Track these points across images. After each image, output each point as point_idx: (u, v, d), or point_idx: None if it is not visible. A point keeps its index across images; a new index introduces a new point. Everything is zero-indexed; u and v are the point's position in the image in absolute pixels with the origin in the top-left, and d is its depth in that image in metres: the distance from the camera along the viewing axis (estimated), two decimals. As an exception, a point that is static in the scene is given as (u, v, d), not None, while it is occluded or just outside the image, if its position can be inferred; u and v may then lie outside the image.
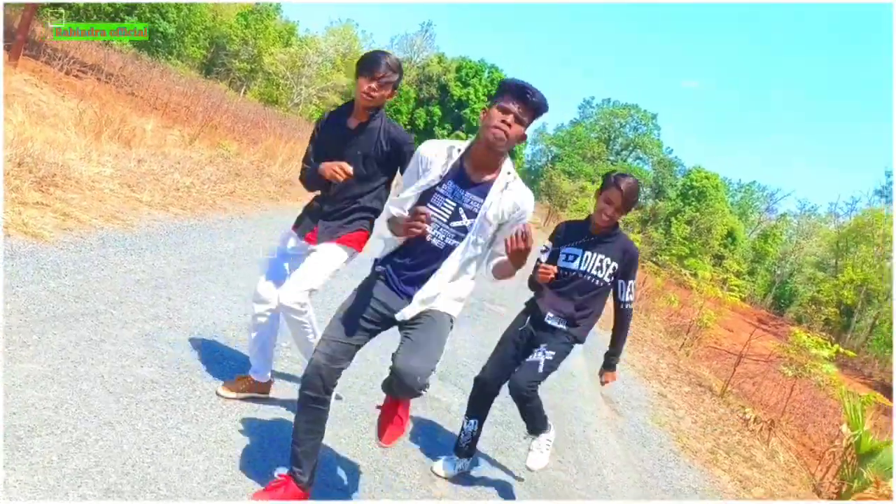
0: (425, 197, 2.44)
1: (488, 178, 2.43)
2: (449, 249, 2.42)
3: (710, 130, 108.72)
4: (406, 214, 2.38)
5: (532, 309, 3.40)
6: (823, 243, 47.59)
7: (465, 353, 5.43)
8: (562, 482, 3.87)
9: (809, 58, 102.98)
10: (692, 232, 45.70)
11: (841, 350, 8.40)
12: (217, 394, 3.19)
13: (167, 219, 5.96)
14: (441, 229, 2.41)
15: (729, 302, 13.05)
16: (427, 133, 50.70)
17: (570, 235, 3.36)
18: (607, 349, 3.50)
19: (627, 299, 3.36)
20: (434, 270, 2.42)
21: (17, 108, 7.46)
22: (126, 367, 3.10)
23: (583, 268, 3.27)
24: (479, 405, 3.46)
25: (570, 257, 3.30)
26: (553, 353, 3.26)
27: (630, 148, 62.86)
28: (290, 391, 3.54)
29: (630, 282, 3.34)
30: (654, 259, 32.20)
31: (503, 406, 3.55)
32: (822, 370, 7.87)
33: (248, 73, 44.95)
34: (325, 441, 2.57)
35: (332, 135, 3.07)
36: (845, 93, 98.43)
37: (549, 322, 3.30)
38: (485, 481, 3.49)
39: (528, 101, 2.34)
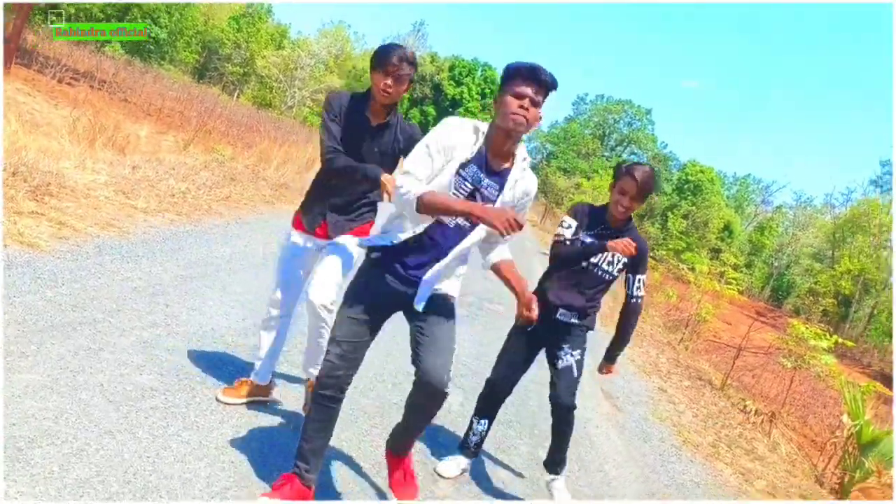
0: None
1: (506, 166, 2.44)
2: (459, 232, 2.42)
3: (710, 130, 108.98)
4: (449, 195, 2.33)
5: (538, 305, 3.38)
6: (820, 234, 47.76)
7: (465, 353, 5.43)
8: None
9: (809, 58, 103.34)
10: (689, 226, 45.76)
11: (840, 340, 8.42)
12: (217, 399, 3.18)
13: (163, 225, 5.94)
14: None
15: (727, 295, 13.07)
16: (422, 133, 50.49)
17: (590, 223, 3.29)
18: (611, 341, 3.46)
19: (637, 294, 3.34)
20: (444, 253, 2.41)
21: (10, 117, 7.42)
22: (125, 375, 3.09)
23: (594, 260, 3.24)
24: (490, 405, 3.46)
25: None
26: (578, 351, 3.27)
27: (625, 143, 62.86)
28: (289, 395, 3.53)
29: (640, 276, 3.32)
30: (652, 254, 32.15)
31: (504, 406, 3.55)
32: (821, 361, 7.88)
33: (241, 77, 44.98)
34: (326, 444, 2.57)
35: (354, 125, 3.02)
36: (841, 85, 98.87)
37: (562, 318, 3.28)
38: (487, 481, 3.49)
39: (541, 81, 2.32)
